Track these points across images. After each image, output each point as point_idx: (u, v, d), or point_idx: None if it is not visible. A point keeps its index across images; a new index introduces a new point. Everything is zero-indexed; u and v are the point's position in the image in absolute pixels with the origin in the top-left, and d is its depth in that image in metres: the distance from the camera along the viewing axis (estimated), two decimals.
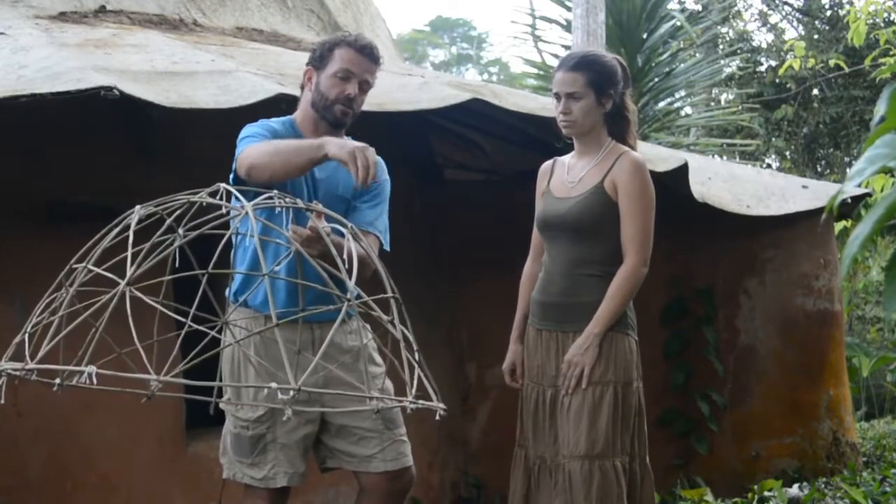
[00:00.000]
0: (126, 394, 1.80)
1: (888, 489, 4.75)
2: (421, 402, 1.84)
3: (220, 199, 2.12)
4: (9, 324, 3.44)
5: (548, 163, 3.26)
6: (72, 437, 3.65)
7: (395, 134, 4.44)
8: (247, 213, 1.99)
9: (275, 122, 2.91)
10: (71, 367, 1.74)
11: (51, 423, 3.57)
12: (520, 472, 3.14)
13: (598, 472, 2.91)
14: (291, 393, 1.70)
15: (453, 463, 4.98)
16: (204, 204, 2.14)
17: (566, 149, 3.23)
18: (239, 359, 2.81)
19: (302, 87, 2.98)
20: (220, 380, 2.84)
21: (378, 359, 2.89)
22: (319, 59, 2.90)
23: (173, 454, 3.91)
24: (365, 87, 2.91)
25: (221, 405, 2.62)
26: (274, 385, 1.73)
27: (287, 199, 2.25)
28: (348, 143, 2.58)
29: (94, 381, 1.69)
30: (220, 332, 2.27)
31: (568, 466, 2.96)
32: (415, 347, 1.93)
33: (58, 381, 1.75)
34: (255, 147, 2.68)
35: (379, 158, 3.00)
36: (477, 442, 5.10)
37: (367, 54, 2.88)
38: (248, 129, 2.84)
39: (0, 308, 3.51)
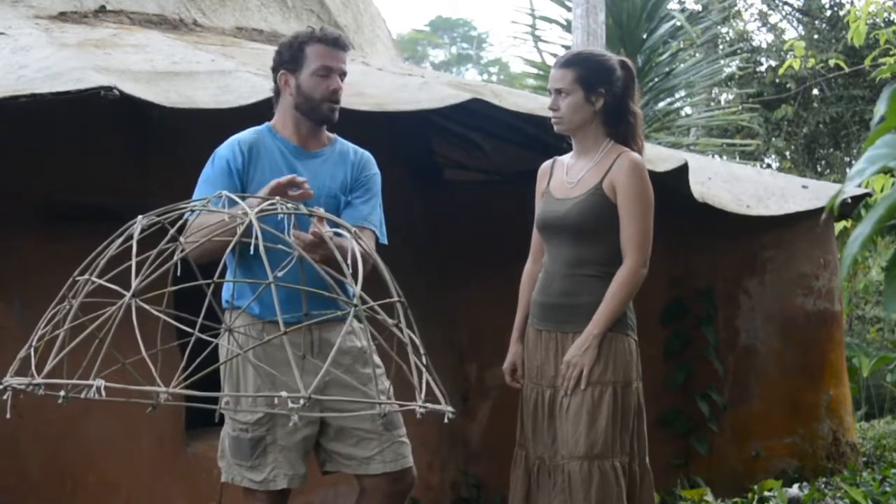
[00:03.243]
0: (132, 403, 1.80)
1: (888, 489, 4.75)
2: (430, 405, 1.83)
3: (224, 206, 2.11)
4: (8, 323, 3.44)
5: (547, 163, 3.26)
6: (72, 437, 3.65)
7: (395, 134, 4.44)
8: (250, 220, 1.98)
9: (249, 134, 2.87)
10: (77, 382, 1.73)
11: (51, 423, 3.57)
12: (520, 473, 3.14)
13: (597, 473, 2.91)
14: (302, 401, 1.69)
15: (453, 463, 4.97)
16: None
17: (567, 149, 3.23)
18: (238, 361, 2.80)
19: (277, 93, 2.92)
20: (220, 381, 2.84)
21: (377, 359, 2.88)
22: (292, 61, 2.86)
23: (173, 454, 3.91)
24: (343, 77, 2.91)
25: (221, 409, 2.62)
26: (284, 394, 1.73)
27: (289, 205, 2.25)
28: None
29: (103, 394, 1.69)
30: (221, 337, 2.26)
31: (567, 467, 2.95)
32: (422, 351, 1.93)
33: (62, 393, 1.74)
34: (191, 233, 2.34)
35: (366, 153, 3.01)
36: (477, 442, 5.09)
37: (340, 45, 2.88)
38: (204, 171, 2.82)
39: None
